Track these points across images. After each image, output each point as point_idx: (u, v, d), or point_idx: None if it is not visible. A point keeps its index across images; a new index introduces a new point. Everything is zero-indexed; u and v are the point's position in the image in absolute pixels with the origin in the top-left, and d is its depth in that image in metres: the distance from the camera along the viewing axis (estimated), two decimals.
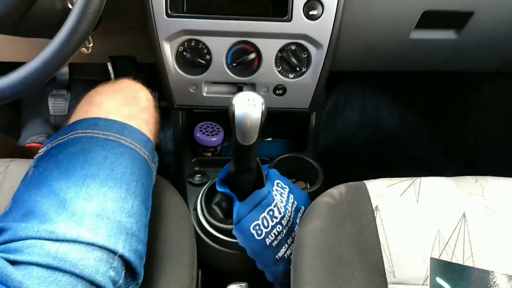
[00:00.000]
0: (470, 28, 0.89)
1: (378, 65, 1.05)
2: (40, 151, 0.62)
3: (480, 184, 0.73)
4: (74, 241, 0.51)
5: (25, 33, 0.62)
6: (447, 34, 0.91)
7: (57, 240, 0.50)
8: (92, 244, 0.52)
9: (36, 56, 0.48)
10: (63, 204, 0.53)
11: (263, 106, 0.60)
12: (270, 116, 0.79)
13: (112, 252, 0.53)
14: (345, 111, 1.35)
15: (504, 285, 0.63)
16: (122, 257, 0.54)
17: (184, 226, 0.68)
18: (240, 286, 0.59)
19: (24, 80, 0.47)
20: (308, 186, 0.91)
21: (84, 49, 0.64)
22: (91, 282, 0.50)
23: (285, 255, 0.75)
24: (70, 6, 0.62)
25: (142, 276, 0.58)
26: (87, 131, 0.62)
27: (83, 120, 0.64)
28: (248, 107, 0.59)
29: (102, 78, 0.83)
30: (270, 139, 1.04)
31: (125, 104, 0.68)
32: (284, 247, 0.76)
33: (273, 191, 0.74)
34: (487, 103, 1.29)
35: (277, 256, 0.74)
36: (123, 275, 0.54)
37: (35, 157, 0.62)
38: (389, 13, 0.84)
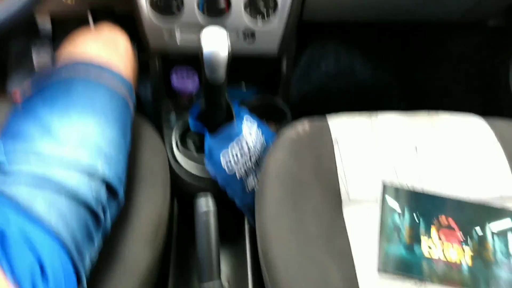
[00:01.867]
0: None
1: (349, 16, 1.09)
2: (25, 92, 0.68)
3: (432, 117, 0.80)
4: (59, 160, 0.57)
5: None
6: None
7: (42, 160, 0.56)
8: (76, 164, 0.58)
9: None
10: (48, 129, 0.59)
11: (229, 40, 0.65)
12: (242, 63, 0.85)
13: (94, 171, 0.59)
14: (320, 65, 1.40)
15: (448, 206, 0.71)
16: (103, 177, 0.60)
17: (159, 157, 0.75)
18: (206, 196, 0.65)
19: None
20: (276, 126, 0.97)
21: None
22: (75, 197, 0.56)
23: (255, 188, 0.82)
24: None
25: (122, 198, 0.64)
26: (70, 73, 0.67)
27: (65, 64, 0.69)
28: (215, 42, 0.64)
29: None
30: (243, 88, 1.10)
31: (105, 49, 0.73)
32: (253, 180, 0.82)
33: (242, 125, 0.80)
34: (453, 55, 1.35)
35: (246, 189, 0.81)
36: (105, 193, 0.60)
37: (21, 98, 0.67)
38: None
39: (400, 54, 1.41)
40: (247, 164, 0.80)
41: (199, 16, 0.82)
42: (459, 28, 1.28)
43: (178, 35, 0.87)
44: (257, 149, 0.83)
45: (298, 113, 1.00)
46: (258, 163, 0.83)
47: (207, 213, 0.59)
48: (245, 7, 0.82)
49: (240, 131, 0.79)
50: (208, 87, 0.72)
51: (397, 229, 0.68)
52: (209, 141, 0.79)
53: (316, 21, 1.08)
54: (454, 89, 1.34)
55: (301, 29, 1.07)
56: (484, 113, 0.82)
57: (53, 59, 0.76)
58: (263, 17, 0.84)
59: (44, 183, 0.55)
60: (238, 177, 0.79)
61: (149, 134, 0.78)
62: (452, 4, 1.06)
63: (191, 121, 0.80)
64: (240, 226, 0.88)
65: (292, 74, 1.11)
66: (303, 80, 1.38)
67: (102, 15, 1.07)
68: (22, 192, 0.53)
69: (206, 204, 0.60)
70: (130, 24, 0.87)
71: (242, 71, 1.00)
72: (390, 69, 1.41)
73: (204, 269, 0.59)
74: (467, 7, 1.05)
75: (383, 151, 0.75)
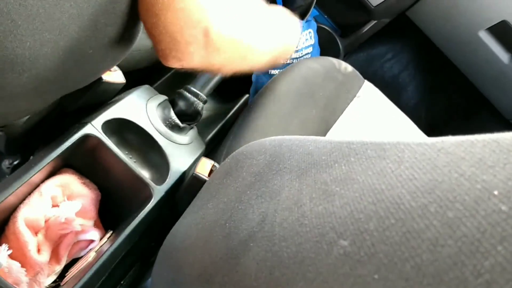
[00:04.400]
0: None
1: (442, 40, 1.14)
2: None
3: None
4: None
5: None
6: (503, 55, 1.01)
7: None
8: None
9: None
10: None
11: None
12: None
13: None
14: (384, 63, 1.45)
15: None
16: None
17: None
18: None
19: None
20: None
21: None
22: None
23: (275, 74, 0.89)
24: None
25: None
26: None
27: None
28: None
29: None
30: (327, 17, 1.15)
31: None
32: (278, 70, 0.89)
33: (305, 30, 0.86)
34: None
35: (269, 71, 0.88)
36: None
37: None
38: (478, 1, 0.94)
39: (453, 105, 1.46)
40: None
41: None
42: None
43: None
44: (299, 56, 0.89)
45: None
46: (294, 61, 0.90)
47: None
48: None
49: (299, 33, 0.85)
50: None
51: None
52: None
53: (415, 23, 1.14)
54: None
55: (398, 18, 1.13)
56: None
57: None
58: None
59: None
60: None
61: None
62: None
63: None
64: (239, 95, 0.95)
65: (363, 43, 1.18)
66: (362, 63, 1.43)
67: None
68: None
69: None
70: None
71: (333, 5, 1.06)
72: (433, 107, 1.46)
73: (201, 78, 0.66)
74: None
75: (380, 134, 0.82)
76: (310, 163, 0.28)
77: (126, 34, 0.43)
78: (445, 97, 1.46)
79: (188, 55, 0.43)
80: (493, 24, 0.97)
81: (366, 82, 0.87)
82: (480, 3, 0.95)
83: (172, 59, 0.44)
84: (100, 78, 0.53)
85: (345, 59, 1.23)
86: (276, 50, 0.55)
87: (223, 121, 0.88)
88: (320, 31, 0.95)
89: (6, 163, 0.66)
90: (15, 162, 0.65)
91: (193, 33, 0.41)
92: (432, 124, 1.45)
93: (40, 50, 0.35)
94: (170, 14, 0.39)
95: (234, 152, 0.43)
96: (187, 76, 0.73)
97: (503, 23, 0.94)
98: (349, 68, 0.85)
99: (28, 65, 0.35)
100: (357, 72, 0.86)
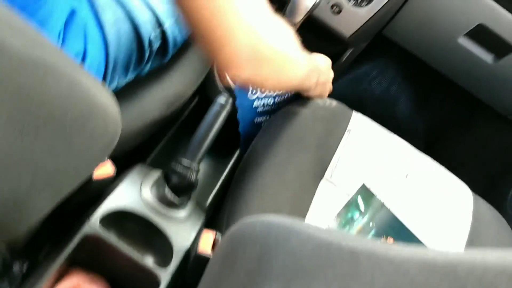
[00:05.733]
0: (506, 62, 1.00)
1: (423, 52, 1.16)
2: None
3: (433, 166, 0.87)
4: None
5: None
6: (486, 56, 1.02)
7: None
8: (154, 8, 0.66)
9: None
10: None
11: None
12: (314, 32, 0.92)
13: (162, 23, 0.67)
14: (371, 82, 1.47)
15: (401, 234, 0.79)
16: (165, 33, 0.68)
17: None
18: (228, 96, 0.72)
19: None
20: None
21: None
22: (137, 30, 0.64)
23: (262, 124, 0.90)
24: None
25: (167, 59, 0.73)
26: None
27: None
28: None
29: None
30: None
31: None
32: (265, 117, 0.90)
33: None
34: (486, 141, 1.41)
35: (255, 120, 0.89)
36: (158, 44, 0.68)
37: None
38: (453, 9, 0.95)
39: (447, 113, 1.47)
40: (267, 104, 0.88)
41: None
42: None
43: None
44: (282, 99, 0.90)
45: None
46: (276, 110, 0.91)
47: (222, 106, 0.67)
48: None
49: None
50: None
51: (351, 223, 0.76)
52: None
53: (393, 41, 1.15)
54: (470, 163, 1.40)
55: (376, 39, 1.14)
56: (481, 195, 0.89)
57: None
58: (356, 1, 0.91)
59: (120, 2, 0.63)
60: (253, 106, 0.86)
61: None
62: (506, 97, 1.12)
63: None
64: (231, 151, 0.96)
65: (346, 69, 1.19)
66: (349, 86, 1.45)
67: None
68: None
69: (226, 101, 0.67)
70: None
71: (309, 40, 1.07)
72: (430, 116, 1.47)
73: (191, 148, 0.67)
74: None
75: (380, 162, 0.82)
76: (293, 270, 0.28)
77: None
78: (439, 105, 1.47)
79: (240, 66, 0.48)
80: (470, 29, 0.98)
81: (354, 113, 0.87)
82: (454, 11, 0.97)
83: (229, 70, 0.49)
84: (91, 177, 0.54)
85: (333, 83, 1.25)
86: (309, 65, 0.63)
87: (220, 182, 0.89)
88: None
89: (17, 267, 0.67)
90: (25, 266, 0.66)
91: (245, 44, 0.46)
92: (432, 134, 1.46)
93: None
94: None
95: (229, 233, 0.44)
96: (178, 145, 0.73)
97: (480, 26, 0.95)
98: (334, 103, 0.86)
99: None
100: (343, 105, 0.87)
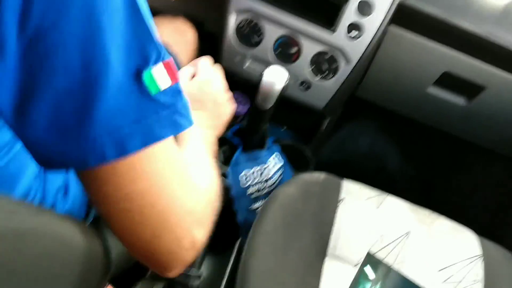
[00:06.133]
0: (480, 101, 1.03)
1: (396, 107, 1.19)
2: None
3: (432, 218, 0.86)
4: None
5: None
6: (458, 100, 1.05)
7: None
8: None
9: None
10: None
11: (287, 81, 0.76)
12: (290, 108, 0.95)
13: None
14: (356, 141, 1.49)
15: None
16: None
17: None
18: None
19: None
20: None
21: None
22: None
23: (258, 210, 0.90)
24: None
25: None
26: None
27: None
28: (275, 77, 0.75)
29: None
30: (284, 128, 1.20)
31: (174, 34, 0.87)
32: (260, 202, 0.91)
33: (270, 157, 0.90)
34: (479, 178, 1.41)
35: (251, 207, 0.89)
36: None
37: None
38: (415, 64, 0.99)
39: (433, 155, 1.49)
40: (260, 189, 0.89)
41: (270, 55, 0.94)
42: (501, 158, 1.34)
43: (247, 62, 0.99)
44: (274, 182, 0.91)
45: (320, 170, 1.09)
46: (270, 193, 0.91)
47: None
48: (311, 63, 0.93)
49: (266, 161, 0.88)
50: (255, 111, 0.83)
51: None
52: (239, 155, 0.88)
53: (367, 100, 1.19)
54: (468, 203, 1.39)
55: (351, 102, 1.17)
56: (486, 234, 0.88)
57: None
58: (322, 76, 0.95)
59: None
60: (248, 193, 0.87)
61: None
62: (486, 134, 1.14)
63: (229, 133, 0.90)
64: (232, 240, 0.95)
65: (328, 136, 1.21)
66: (336, 149, 1.47)
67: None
68: None
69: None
70: (212, 42, 1.00)
71: (286, 116, 1.11)
72: (421, 166, 1.49)
73: None
74: (498, 144, 1.13)
75: (379, 226, 0.82)
76: None
77: None
78: (426, 151, 1.48)
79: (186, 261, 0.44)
80: (436, 78, 1.01)
81: (344, 181, 0.88)
82: (417, 65, 1.01)
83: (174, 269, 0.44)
84: None
85: (319, 152, 1.27)
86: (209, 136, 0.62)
87: (226, 276, 0.87)
88: (284, 149, 0.98)
89: None
90: None
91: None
92: (426, 181, 1.46)
93: None
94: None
95: None
96: None
97: (445, 74, 0.99)
98: (322, 176, 0.87)
99: None
100: (331, 176, 0.88)
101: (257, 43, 0.94)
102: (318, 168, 1.11)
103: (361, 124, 1.49)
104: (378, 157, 1.48)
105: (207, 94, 0.66)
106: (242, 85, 1.07)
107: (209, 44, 1.04)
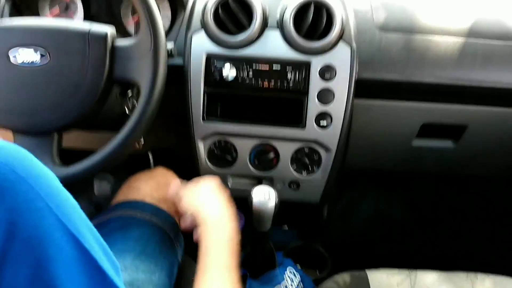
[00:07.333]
0: (466, 139, 1.01)
1: (387, 167, 1.16)
2: None
3: (471, 279, 0.80)
4: None
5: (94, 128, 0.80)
6: (445, 143, 1.03)
7: None
8: None
9: (99, 151, 0.63)
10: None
11: (277, 199, 0.72)
12: (286, 206, 0.91)
13: None
14: (359, 209, 1.45)
15: None
16: None
17: None
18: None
19: (92, 167, 0.62)
20: (318, 273, 0.99)
21: (136, 144, 0.79)
22: None
23: None
24: (126, 111, 0.79)
25: None
26: (127, 210, 0.75)
27: (123, 202, 0.78)
28: (264, 200, 0.71)
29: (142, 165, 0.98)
30: (286, 227, 1.15)
31: (158, 189, 0.82)
32: None
33: (284, 273, 0.83)
34: (482, 207, 1.38)
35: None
36: None
37: None
38: (392, 125, 0.98)
39: (435, 200, 1.45)
40: None
41: (249, 168, 0.91)
42: (502, 183, 1.31)
43: (230, 181, 0.95)
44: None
45: (338, 258, 1.02)
46: None
47: None
48: (291, 162, 0.91)
49: (282, 279, 0.82)
50: (255, 234, 0.78)
51: None
52: (250, 284, 0.82)
53: (356, 170, 1.16)
54: (488, 247, 1.34)
55: (341, 176, 1.14)
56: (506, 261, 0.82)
57: (112, 189, 0.83)
58: (307, 171, 0.91)
59: None
60: None
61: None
62: (481, 166, 1.12)
63: None
64: None
65: (332, 219, 1.16)
66: (342, 224, 1.41)
67: (162, 154, 1.18)
68: None
69: None
70: (188, 164, 0.97)
71: (286, 215, 1.06)
72: (428, 214, 1.44)
73: None
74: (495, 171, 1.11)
75: None
76: None
77: None
78: (431, 199, 1.45)
79: None
80: (417, 131, 0.99)
81: (368, 273, 0.82)
82: (395, 126, 0.99)
83: None
84: None
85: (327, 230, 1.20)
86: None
87: None
88: (296, 253, 0.93)
89: None
90: None
91: None
92: (435, 229, 1.41)
93: None
94: None
95: None
96: None
97: (424, 125, 0.97)
98: (346, 277, 0.80)
99: None
100: (355, 273, 0.82)
101: (233, 161, 0.91)
102: (334, 253, 1.05)
103: (359, 193, 1.45)
104: (384, 216, 1.43)
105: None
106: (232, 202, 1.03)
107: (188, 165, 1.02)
